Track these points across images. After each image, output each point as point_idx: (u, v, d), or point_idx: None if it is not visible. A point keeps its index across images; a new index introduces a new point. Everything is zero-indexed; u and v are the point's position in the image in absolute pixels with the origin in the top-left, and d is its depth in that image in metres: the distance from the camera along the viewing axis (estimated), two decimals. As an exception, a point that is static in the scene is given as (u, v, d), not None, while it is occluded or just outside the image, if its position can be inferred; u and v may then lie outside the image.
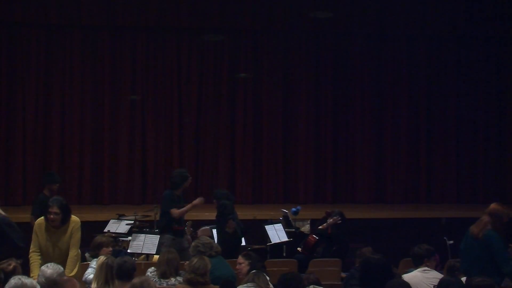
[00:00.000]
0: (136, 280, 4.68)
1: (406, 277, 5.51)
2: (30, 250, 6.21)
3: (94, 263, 5.97)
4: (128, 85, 12.05)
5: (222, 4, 12.02)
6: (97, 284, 5.24)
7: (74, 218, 6.28)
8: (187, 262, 5.59)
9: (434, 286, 5.18)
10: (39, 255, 6.14)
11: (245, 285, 5.33)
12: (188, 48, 12.27)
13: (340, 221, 8.18)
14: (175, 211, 7.66)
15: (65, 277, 4.79)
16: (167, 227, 7.69)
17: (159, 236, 7.48)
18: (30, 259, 6.18)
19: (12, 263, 5.14)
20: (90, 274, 5.88)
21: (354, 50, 12.73)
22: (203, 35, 12.09)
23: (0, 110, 11.60)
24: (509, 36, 12.80)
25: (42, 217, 6.22)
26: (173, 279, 5.70)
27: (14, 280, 4.23)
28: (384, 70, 12.81)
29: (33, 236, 6.22)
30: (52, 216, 6.05)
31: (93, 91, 11.93)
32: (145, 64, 12.10)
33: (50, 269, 4.66)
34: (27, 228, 6.76)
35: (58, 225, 6.13)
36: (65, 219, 6.13)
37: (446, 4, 12.50)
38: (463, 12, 12.62)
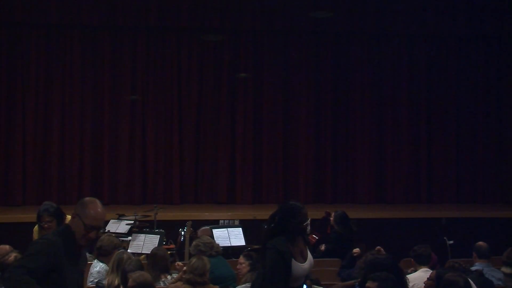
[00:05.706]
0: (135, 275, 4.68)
1: (411, 277, 5.54)
2: None
3: (97, 267, 5.96)
4: (128, 85, 12.04)
5: (222, 4, 12.00)
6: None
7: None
8: (187, 262, 5.59)
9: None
10: None
11: (243, 285, 5.33)
12: (188, 48, 12.26)
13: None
14: None
15: None
16: None
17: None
18: None
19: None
20: (100, 278, 5.84)
21: (354, 50, 12.71)
22: (203, 35, 12.10)
23: (0, 110, 11.61)
24: (509, 36, 12.80)
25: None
26: (168, 277, 5.69)
27: None
28: (384, 70, 12.80)
29: None
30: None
31: (93, 91, 11.92)
32: (145, 64, 12.09)
33: None
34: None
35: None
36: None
37: (446, 4, 12.50)
38: (463, 12, 12.61)
